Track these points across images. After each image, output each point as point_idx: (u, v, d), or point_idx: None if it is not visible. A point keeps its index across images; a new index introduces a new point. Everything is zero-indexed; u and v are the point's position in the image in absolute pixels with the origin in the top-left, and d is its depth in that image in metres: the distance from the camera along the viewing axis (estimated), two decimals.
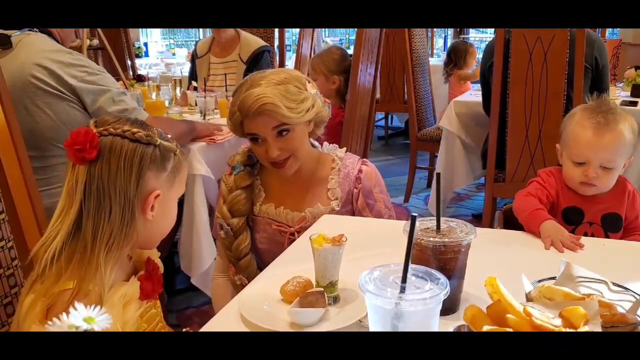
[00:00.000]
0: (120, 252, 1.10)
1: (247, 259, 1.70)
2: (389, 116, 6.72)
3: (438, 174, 1.20)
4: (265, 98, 1.52)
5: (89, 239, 1.05)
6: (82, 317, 0.56)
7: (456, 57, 4.82)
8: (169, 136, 1.18)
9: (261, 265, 1.67)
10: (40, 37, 2.13)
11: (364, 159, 1.77)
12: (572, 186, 1.66)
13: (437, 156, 3.98)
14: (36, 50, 2.07)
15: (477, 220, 3.69)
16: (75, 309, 0.57)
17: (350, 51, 3.29)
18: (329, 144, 1.82)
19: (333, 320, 1.12)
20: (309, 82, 1.63)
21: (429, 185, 4.75)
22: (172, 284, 2.94)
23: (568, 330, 0.81)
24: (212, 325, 1.12)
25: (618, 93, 3.63)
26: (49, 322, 0.56)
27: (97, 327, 0.56)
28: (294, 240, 1.63)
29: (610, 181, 1.62)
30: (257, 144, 1.61)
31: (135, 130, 1.08)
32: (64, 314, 0.57)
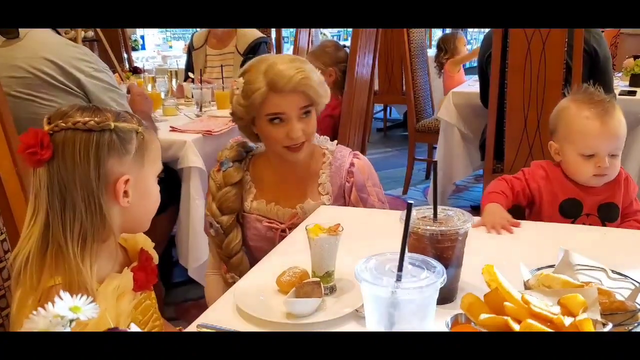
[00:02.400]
0: (102, 246, 1.07)
1: (239, 256, 1.67)
2: (388, 108, 6.70)
3: (435, 163, 1.19)
4: (305, 73, 1.51)
5: (61, 238, 1.02)
6: (68, 307, 0.55)
7: (446, 46, 4.79)
8: (130, 114, 1.13)
9: (252, 263, 1.64)
10: (46, 30, 2.13)
11: (356, 152, 1.74)
12: (582, 181, 1.62)
13: (435, 148, 3.97)
14: (44, 43, 2.07)
15: (476, 211, 3.67)
16: (61, 298, 0.56)
17: (348, 42, 3.27)
18: (324, 137, 1.78)
19: (329, 310, 1.11)
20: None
21: (427, 177, 4.73)
22: (169, 277, 2.94)
23: (567, 317, 0.79)
24: (208, 317, 1.11)
25: (617, 83, 3.61)
26: (34, 312, 0.55)
27: (83, 317, 0.55)
28: (285, 237, 1.60)
29: (617, 168, 1.62)
30: (276, 125, 1.55)
31: (86, 119, 1.03)
32: (50, 303, 0.55)
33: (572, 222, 1.62)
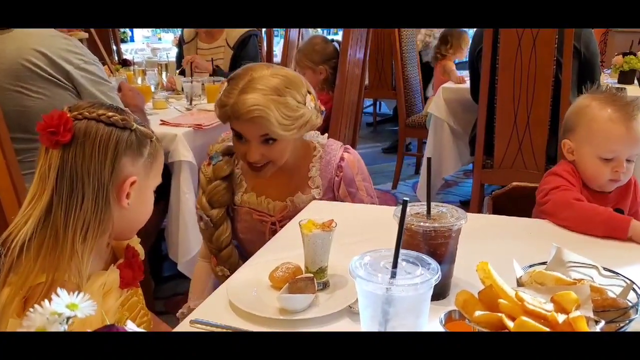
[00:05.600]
0: (97, 241, 1.07)
1: (229, 250, 1.67)
2: (377, 103, 6.70)
3: (429, 159, 1.19)
4: (258, 110, 1.45)
5: (60, 225, 1.02)
6: (64, 304, 0.54)
7: (452, 39, 4.69)
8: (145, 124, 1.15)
9: (244, 255, 1.66)
10: None
11: (347, 146, 1.73)
12: (597, 184, 1.58)
13: (425, 142, 3.98)
14: (34, 34, 2.05)
15: (465, 206, 3.69)
16: (58, 295, 0.55)
17: (339, 37, 3.26)
18: (315, 132, 1.76)
19: (323, 306, 1.11)
20: (310, 93, 1.56)
21: (417, 172, 4.74)
22: (159, 271, 2.92)
23: (560, 315, 0.80)
24: (200, 312, 1.11)
25: (606, 80, 3.64)
26: (30, 310, 0.54)
27: (80, 314, 0.54)
28: (275, 229, 1.62)
29: (631, 173, 1.58)
30: (239, 142, 1.56)
31: (110, 114, 1.05)
32: (46, 300, 0.55)
33: None
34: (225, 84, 1.55)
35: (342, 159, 1.67)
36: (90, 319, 0.91)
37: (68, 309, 0.54)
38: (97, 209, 1.04)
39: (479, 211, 2.82)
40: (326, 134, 1.77)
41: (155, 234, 2.72)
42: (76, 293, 0.57)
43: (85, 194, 1.03)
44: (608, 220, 1.42)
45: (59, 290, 0.57)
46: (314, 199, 1.66)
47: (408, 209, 1.11)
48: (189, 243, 2.43)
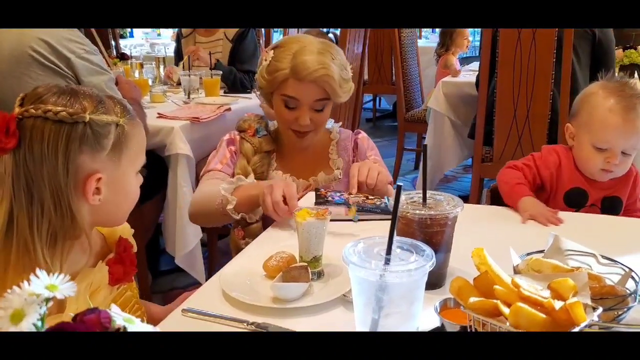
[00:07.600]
0: (72, 243, 1.00)
1: (258, 225, 1.69)
2: (377, 98, 6.68)
3: (425, 146, 1.18)
4: (327, 70, 1.56)
5: (27, 234, 0.94)
6: (44, 285, 0.53)
7: (444, 37, 4.72)
8: (115, 102, 1.03)
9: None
10: None
11: (357, 130, 1.85)
12: (588, 171, 1.58)
13: (424, 137, 3.95)
14: None
15: (464, 201, 3.66)
16: (37, 276, 0.54)
17: (337, 31, 3.24)
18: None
19: (317, 295, 1.09)
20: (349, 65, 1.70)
21: (416, 167, 4.73)
22: (156, 265, 2.91)
23: (557, 301, 0.78)
24: (193, 302, 1.10)
25: None
26: (8, 291, 0.53)
27: (59, 295, 0.53)
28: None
29: (627, 167, 1.57)
30: (288, 109, 1.62)
31: (59, 108, 0.93)
32: (25, 282, 0.53)
33: (576, 212, 1.57)
34: (270, 52, 1.62)
35: (355, 142, 1.79)
36: (72, 297, 0.89)
37: (47, 289, 0.53)
38: (61, 214, 0.96)
39: (479, 204, 2.80)
40: (340, 122, 1.88)
41: (153, 228, 2.71)
42: (56, 274, 0.55)
43: (45, 200, 0.94)
44: (509, 191, 1.56)
45: (37, 271, 0.55)
46: (336, 178, 1.74)
47: (404, 197, 1.10)
48: (186, 237, 2.41)
